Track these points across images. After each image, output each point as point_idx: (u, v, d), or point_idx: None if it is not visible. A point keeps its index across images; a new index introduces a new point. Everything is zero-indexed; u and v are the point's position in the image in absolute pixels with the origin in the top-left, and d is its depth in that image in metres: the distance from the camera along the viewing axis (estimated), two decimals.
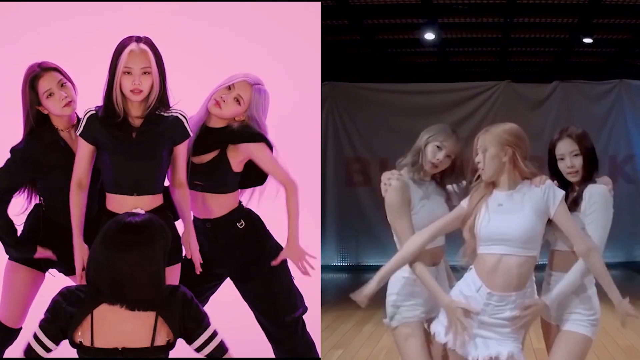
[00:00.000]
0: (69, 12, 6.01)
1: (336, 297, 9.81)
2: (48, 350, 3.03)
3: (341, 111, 12.84)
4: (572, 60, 12.08)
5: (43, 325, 3.01)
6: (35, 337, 3.02)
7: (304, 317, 3.95)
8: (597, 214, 2.96)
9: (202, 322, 3.05)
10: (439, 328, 2.96)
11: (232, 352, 3.29)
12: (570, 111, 12.34)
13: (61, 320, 2.99)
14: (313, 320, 5.08)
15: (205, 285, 3.79)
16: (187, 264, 3.72)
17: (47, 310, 3.03)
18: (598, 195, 2.96)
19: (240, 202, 3.78)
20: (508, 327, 2.86)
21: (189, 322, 3.02)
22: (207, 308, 3.85)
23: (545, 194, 2.85)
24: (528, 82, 12.47)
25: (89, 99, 3.71)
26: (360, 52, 12.23)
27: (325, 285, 10.90)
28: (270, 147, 3.72)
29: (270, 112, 7.73)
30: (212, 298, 3.96)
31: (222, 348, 3.05)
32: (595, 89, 12.57)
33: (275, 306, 3.76)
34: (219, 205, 3.71)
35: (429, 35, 10.79)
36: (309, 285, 5.93)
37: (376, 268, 10.56)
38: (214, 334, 3.05)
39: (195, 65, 6.54)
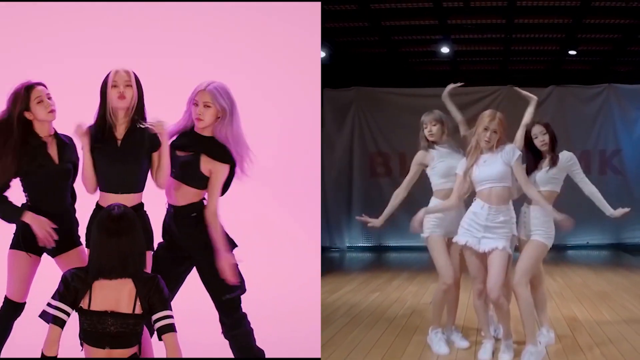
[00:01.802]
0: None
1: (364, 268, 10.99)
2: (68, 314, 3.52)
3: (366, 112, 13.38)
4: (564, 68, 12.74)
5: (60, 294, 3.52)
6: (53, 306, 3.51)
7: (306, 304, 5.22)
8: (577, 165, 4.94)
9: (165, 304, 3.59)
10: (458, 238, 4.71)
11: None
12: (565, 112, 12.86)
13: (71, 292, 3.53)
14: (313, 302, 5.65)
15: (178, 269, 4.24)
16: (163, 251, 4.23)
17: (60, 286, 3.55)
18: (570, 156, 4.91)
19: (203, 199, 4.19)
20: (502, 229, 4.59)
21: (156, 302, 3.56)
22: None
23: (510, 151, 4.65)
24: (527, 86, 12.61)
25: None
26: (385, 62, 12.79)
27: (352, 261, 12.21)
28: (233, 170, 4.15)
29: (272, 114, 7.23)
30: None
31: (171, 327, 3.55)
32: (586, 92, 13.12)
33: (217, 285, 4.15)
34: (182, 195, 4.16)
35: (444, 49, 11.51)
36: (308, 268, 6.28)
37: (395, 248, 11.93)
38: (170, 317, 3.57)
39: (199, 66, 6.40)
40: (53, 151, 4.07)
